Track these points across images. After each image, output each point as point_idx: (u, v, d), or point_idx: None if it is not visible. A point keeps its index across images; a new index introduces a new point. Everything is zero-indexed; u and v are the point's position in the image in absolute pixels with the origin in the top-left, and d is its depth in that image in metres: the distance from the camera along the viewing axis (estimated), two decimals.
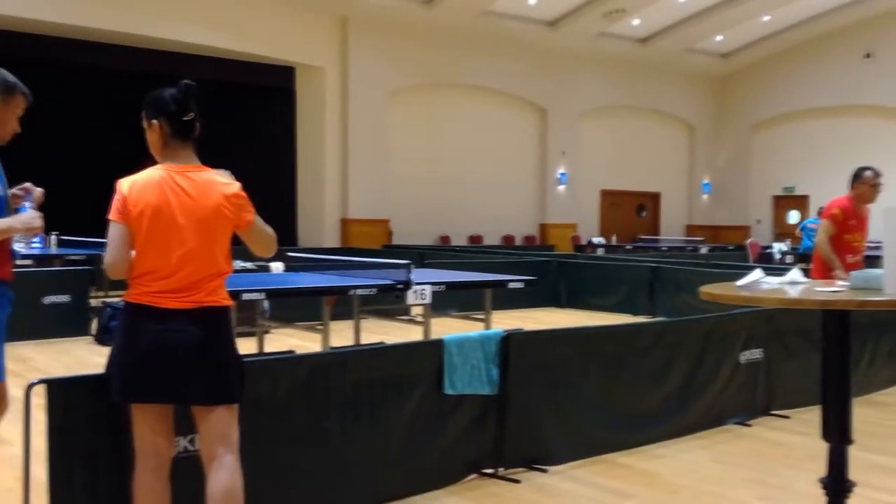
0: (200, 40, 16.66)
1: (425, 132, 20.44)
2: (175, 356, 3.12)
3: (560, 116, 22.65)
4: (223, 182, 3.28)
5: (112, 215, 3.16)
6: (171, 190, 3.16)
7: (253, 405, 3.66)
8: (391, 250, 16.68)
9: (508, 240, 22.06)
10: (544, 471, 4.83)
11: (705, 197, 26.55)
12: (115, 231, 3.16)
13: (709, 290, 2.81)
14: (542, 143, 22.69)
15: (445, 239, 20.98)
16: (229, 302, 3.30)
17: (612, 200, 24.71)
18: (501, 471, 4.73)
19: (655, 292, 12.30)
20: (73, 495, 3.34)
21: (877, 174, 6.89)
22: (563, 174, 22.91)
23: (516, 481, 4.66)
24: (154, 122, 3.23)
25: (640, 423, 5.41)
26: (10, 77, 3.54)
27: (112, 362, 3.20)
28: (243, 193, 3.29)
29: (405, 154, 19.98)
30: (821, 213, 15.99)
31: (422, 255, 14.40)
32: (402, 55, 19.40)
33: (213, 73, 17.87)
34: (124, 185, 3.18)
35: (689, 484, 4.70)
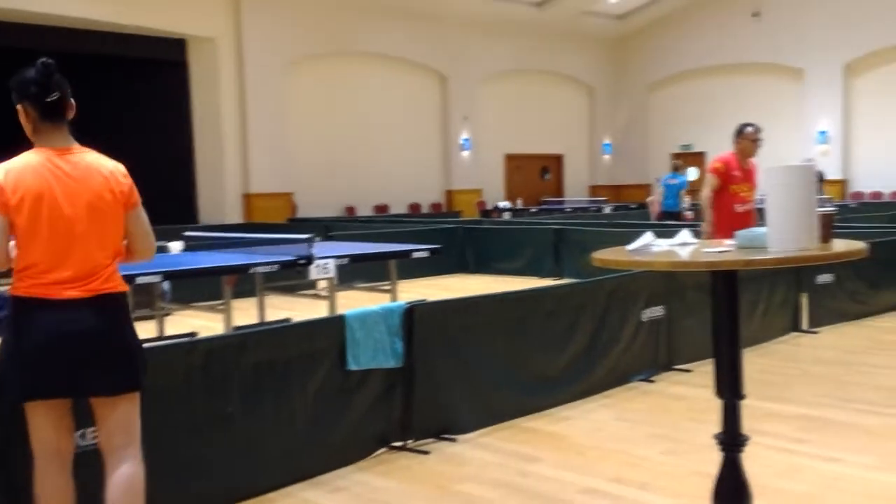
0: (84, 13, 16.01)
1: (327, 102, 20.16)
2: (74, 347, 2.98)
3: (461, 82, 22.63)
4: (107, 160, 3.13)
5: None
6: (52, 174, 2.98)
7: (149, 393, 3.55)
8: (296, 224, 16.48)
9: (414, 208, 22.03)
10: (453, 440, 4.84)
11: (607, 157, 26.96)
12: None
13: (601, 255, 2.83)
14: (444, 109, 22.65)
15: (351, 210, 20.83)
16: (125, 287, 3.17)
17: (516, 164, 24.87)
18: (410, 443, 4.73)
19: (561, 254, 12.45)
20: None
21: (757, 129, 7.25)
22: (466, 140, 22.95)
23: (426, 452, 4.66)
24: (19, 106, 3.05)
25: (547, 386, 5.48)
26: None
27: (5, 360, 3.01)
28: (128, 174, 3.15)
29: (307, 125, 19.69)
30: (675, 168, 16.39)
31: (327, 228, 14.26)
32: (298, 23, 19.03)
33: (99, 48, 17.29)
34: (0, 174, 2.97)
35: (596, 444, 4.78)
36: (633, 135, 26.44)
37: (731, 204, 7.19)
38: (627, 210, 20.09)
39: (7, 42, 15.81)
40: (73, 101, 3.12)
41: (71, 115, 3.11)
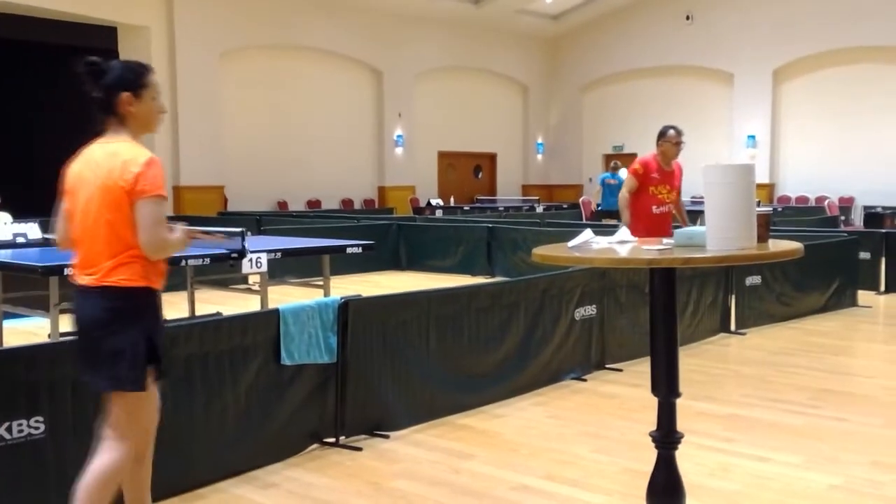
0: None
1: (261, 95, 19.88)
2: (79, 334, 3.10)
3: (396, 78, 22.54)
4: (128, 150, 3.08)
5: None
6: (86, 163, 3.13)
7: (76, 389, 3.46)
8: (227, 217, 16.21)
9: (347, 204, 21.88)
10: (386, 437, 4.81)
11: (540, 157, 27.14)
12: (59, 206, 3.20)
13: (541, 251, 2.82)
14: (378, 105, 22.54)
15: (283, 204, 20.59)
16: (139, 283, 3.05)
17: (449, 162, 24.88)
18: (343, 439, 4.68)
19: (493, 252, 12.49)
20: None
21: (679, 133, 7.34)
22: (400, 136, 22.88)
23: (358, 449, 4.62)
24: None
25: (480, 383, 5.47)
26: None
27: None
28: (148, 165, 3.05)
29: (240, 118, 19.39)
30: (614, 168, 16.66)
31: (259, 222, 14.08)
32: (232, 15, 18.72)
33: (26, 34, 16.75)
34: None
35: (528, 441, 4.79)
36: (566, 135, 26.66)
37: (648, 205, 7.29)
38: (559, 209, 20.26)
39: None
40: (127, 93, 3.14)
41: (121, 110, 3.14)
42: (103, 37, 17.94)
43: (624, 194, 7.45)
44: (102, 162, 3.07)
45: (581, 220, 17.35)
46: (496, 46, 24.75)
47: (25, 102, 19.48)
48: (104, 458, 3.09)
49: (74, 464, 3.35)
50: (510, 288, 5.92)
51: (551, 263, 2.86)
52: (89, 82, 3.15)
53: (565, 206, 21.34)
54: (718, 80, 23.15)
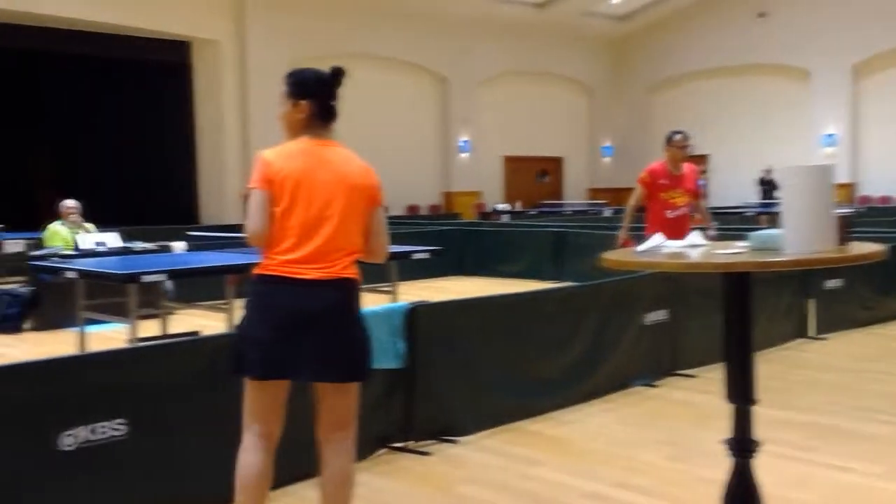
0: (90, 16, 15.94)
1: None
2: (307, 328, 3.05)
3: (461, 84, 22.58)
4: (358, 158, 3.28)
5: (253, 182, 3.12)
6: (314, 160, 3.15)
7: (154, 388, 3.53)
8: None
9: (413, 209, 21.97)
10: (454, 442, 4.80)
11: (607, 160, 26.89)
12: (256, 198, 3.10)
13: (610, 257, 2.79)
14: (443, 111, 22.60)
15: None
16: (360, 278, 3.22)
17: (514, 167, 24.82)
18: (411, 444, 4.69)
19: (561, 257, 12.40)
20: None
21: (685, 137, 7.53)
22: (465, 142, 22.90)
23: (427, 454, 4.62)
24: (302, 102, 3.24)
25: (548, 389, 5.43)
26: None
27: (245, 335, 3.11)
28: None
29: None
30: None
31: None
32: (300, 26, 18.98)
33: (104, 50, 17.22)
34: (267, 153, 3.16)
35: (599, 447, 4.74)
36: (634, 137, 26.35)
37: (662, 211, 7.36)
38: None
39: (13, 44, 15.78)
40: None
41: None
42: (177, 51, 18.38)
43: (630, 204, 7.63)
44: (341, 164, 3.20)
45: None
46: (560, 49, 24.61)
47: (105, 117, 20.02)
48: (352, 462, 3.24)
49: (154, 464, 3.43)
50: (578, 293, 5.87)
51: (622, 268, 2.82)
52: (337, 89, 3.29)
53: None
54: (794, 78, 22.63)
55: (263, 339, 3.05)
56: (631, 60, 26.21)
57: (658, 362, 6.19)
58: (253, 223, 3.10)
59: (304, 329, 3.04)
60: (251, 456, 3.14)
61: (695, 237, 3.08)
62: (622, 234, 7.63)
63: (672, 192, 7.37)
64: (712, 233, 7.40)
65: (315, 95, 3.26)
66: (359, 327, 3.20)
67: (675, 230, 6.76)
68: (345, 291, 3.15)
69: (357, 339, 3.18)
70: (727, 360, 2.91)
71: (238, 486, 3.15)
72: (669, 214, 7.33)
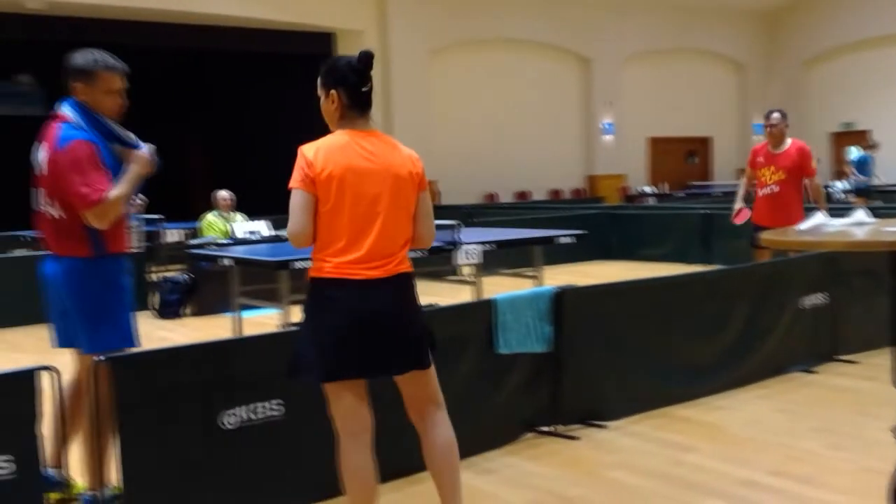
0: (235, 12, 16.55)
1: (469, 89, 20.19)
2: (376, 327, 3.04)
3: (604, 65, 22.22)
4: (402, 145, 3.24)
5: (294, 182, 3.02)
6: (358, 154, 3.06)
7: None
8: (439, 211, 16.57)
9: (556, 194, 21.82)
10: (602, 426, 4.75)
11: (758, 138, 25.90)
12: (298, 199, 3.01)
13: (770, 236, 2.68)
14: (586, 93, 22.30)
15: (492, 196, 20.82)
16: (412, 268, 3.24)
17: (660, 148, 24.25)
18: (559, 428, 4.67)
19: (710, 240, 12.06)
20: (142, 466, 3.37)
21: (769, 116, 7.70)
22: (609, 124, 22.54)
23: (575, 438, 4.59)
24: (332, 91, 3.13)
25: (700, 374, 5.30)
26: (90, 57, 3.66)
27: (309, 342, 3.07)
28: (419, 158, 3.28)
29: (449, 113, 19.78)
30: (871, 146, 16.04)
31: (469, 214, 14.29)
32: (441, 13, 19.13)
33: (251, 45, 17.82)
34: (308, 150, 3.05)
35: (754, 435, 4.59)
36: (788, 114, 25.23)
37: (758, 189, 7.61)
38: None
39: (159, 42, 16.55)
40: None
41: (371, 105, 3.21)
42: (322, 43, 18.83)
43: (741, 181, 8.01)
44: (386, 154, 3.11)
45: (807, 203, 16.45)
46: (708, 25, 23.83)
47: (254, 110, 20.78)
48: (445, 428, 3.27)
49: (310, 443, 3.54)
50: (730, 276, 5.69)
51: (782, 248, 2.71)
52: (368, 75, 3.17)
53: None
54: None
55: (332, 342, 3.01)
56: (785, 33, 25.07)
57: (816, 347, 5.93)
58: (296, 225, 3.00)
59: (370, 329, 3.02)
60: (353, 457, 3.10)
61: (860, 215, 2.92)
62: (735, 206, 7.88)
63: (764, 170, 7.50)
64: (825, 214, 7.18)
65: (345, 84, 3.11)
66: (420, 317, 3.21)
67: (764, 208, 7.48)
68: (404, 287, 3.13)
69: (422, 328, 3.19)
70: (895, 345, 2.76)
71: (348, 489, 3.13)
72: (760, 192, 7.54)
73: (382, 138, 3.17)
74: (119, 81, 3.70)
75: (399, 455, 4.06)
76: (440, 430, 3.24)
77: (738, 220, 7.75)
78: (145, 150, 3.73)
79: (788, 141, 7.54)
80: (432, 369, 3.26)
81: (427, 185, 3.25)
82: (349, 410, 3.10)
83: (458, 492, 3.24)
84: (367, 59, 3.12)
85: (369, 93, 3.16)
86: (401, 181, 3.11)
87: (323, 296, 3.05)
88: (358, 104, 3.13)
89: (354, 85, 3.11)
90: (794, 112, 24.82)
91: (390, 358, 3.10)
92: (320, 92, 3.17)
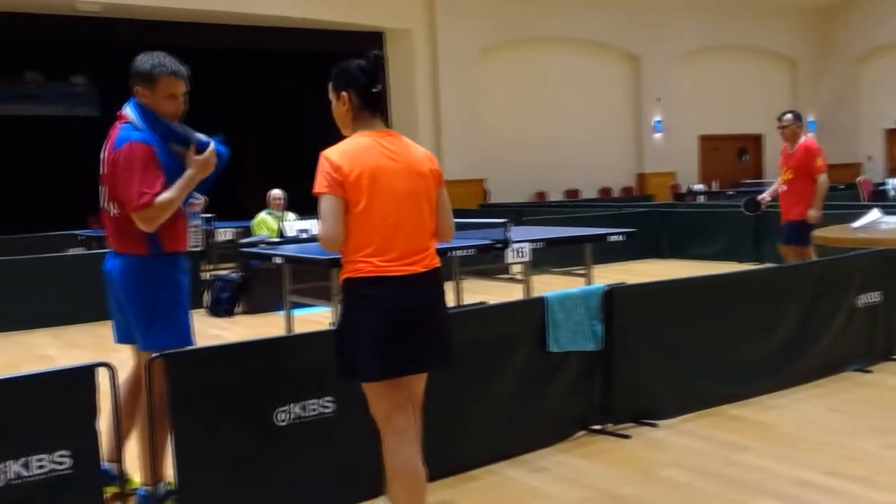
0: (285, 12, 16.72)
1: (517, 88, 20.17)
2: (417, 323, 3.07)
3: (653, 62, 22.04)
4: (419, 145, 3.29)
5: (321, 188, 3.03)
6: (382, 154, 3.10)
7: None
8: (488, 209, 16.62)
9: (606, 192, 21.70)
10: (654, 425, 4.73)
11: (811, 135, 25.46)
12: (329, 204, 3.02)
13: (823, 233, 2.66)
14: (635, 90, 22.14)
15: (542, 195, 20.77)
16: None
17: (711, 145, 23.99)
18: (610, 426, 4.66)
19: (761, 238, 11.92)
20: (197, 462, 3.43)
21: (787, 118, 8.27)
22: (658, 122, 22.35)
23: (626, 437, 4.58)
24: (343, 93, 3.19)
25: (752, 373, 5.26)
26: (153, 61, 3.68)
27: (353, 342, 3.08)
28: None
29: (498, 111, 19.77)
30: None
31: (519, 213, 14.29)
32: (489, 11, 19.12)
33: (302, 45, 17.98)
34: (332, 154, 3.07)
35: (808, 434, 4.54)
36: (841, 111, 24.83)
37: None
38: (834, 191, 18.91)
39: (211, 42, 16.77)
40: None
41: (384, 105, 3.27)
42: (371, 42, 18.94)
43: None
44: (407, 153, 3.16)
45: (859, 201, 16.16)
46: (759, 21, 23.52)
47: (304, 109, 20.97)
48: (419, 422, 3.29)
49: (361, 441, 3.58)
50: (783, 274, 5.63)
51: (836, 245, 2.69)
52: (377, 75, 3.22)
53: (841, 186, 19.90)
54: None
55: (378, 340, 3.01)
56: (837, 29, 24.65)
57: (871, 346, 5.85)
58: (329, 230, 3.01)
59: (416, 325, 3.06)
60: (400, 454, 3.10)
61: (875, 214, 2.88)
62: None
63: (782, 169, 8.13)
64: (813, 213, 7.78)
65: (356, 85, 3.17)
66: (448, 314, 3.27)
67: (781, 205, 8.22)
68: (438, 281, 3.19)
69: (450, 325, 3.25)
70: None
71: (396, 486, 3.12)
72: (780, 189, 8.20)
73: (399, 138, 3.22)
74: (180, 86, 3.73)
75: (451, 452, 4.10)
76: (414, 448, 3.22)
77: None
78: (210, 148, 3.74)
79: (802, 140, 8.03)
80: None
81: (444, 183, 3.30)
82: (395, 408, 3.12)
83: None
84: (375, 59, 3.20)
85: (380, 93, 3.22)
86: (423, 178, 3.17)
87: (363, 295, 3.05)
88: (369, 105, 3.19)
89: (365, 86, 3.18)
90: (847, 109, 24.56)
91: (431, 353, 3.14)
92: (332, 95, 3.23)
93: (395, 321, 3.03)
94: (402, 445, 3.12)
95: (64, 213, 15.68)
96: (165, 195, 3.58)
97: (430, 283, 3.14)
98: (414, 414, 3.23)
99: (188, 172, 3.69)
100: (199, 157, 3.71)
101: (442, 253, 6.60)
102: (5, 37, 16.08)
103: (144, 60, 3.70)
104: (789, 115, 8.16)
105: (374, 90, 3.18)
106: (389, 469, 3.15)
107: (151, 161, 3.59)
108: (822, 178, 7.90)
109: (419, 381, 3.27)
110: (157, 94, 3.68)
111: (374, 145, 3.11)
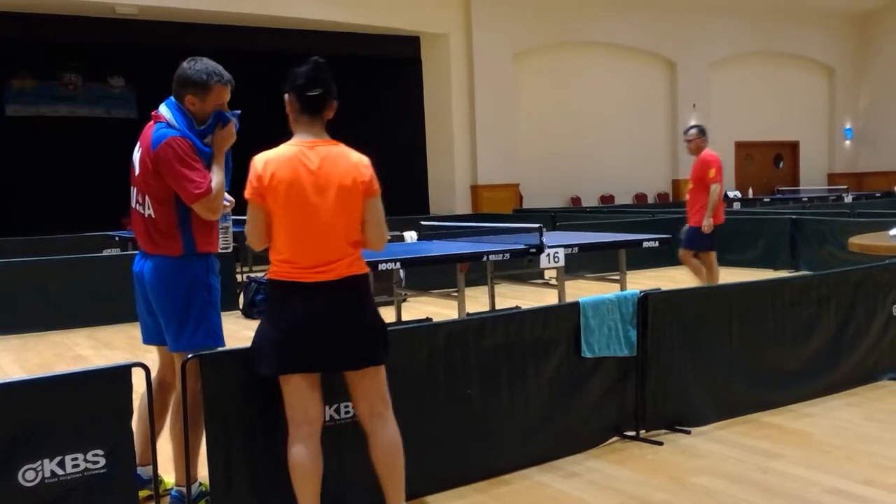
0: (322, 16, 16.84)
1: (552, 93, 20.16)
2: (321, 327, 3.24)
3: (689, 68, 21.94)
4: (352, 152, 3.34)
5: (246, 194, 3.26)
6: (302, 165, 3.23)
7: (393, 373, 3.71)
8: (522, 214, 16.63)
9: (640, 198, 21.62)
10: (687, 432, 4.74)
11: (848, 143, 25.25)
12: (249, 210, 3.27)
13: (859, 241, 2.67)
14: (671, 96, 22.05)
15: (576, 200, 20.75)
16: (366, 269, 3.39)
17: (747, 152, 23.83)
18: (643, 433, 4.67)
19: (797, 245, 11.84)
20: (230, 463, 3.48)
21: (686, 132, 8.88)
22: None
23: (659, 443, 4.59)
24: (286, 95, 3.34)
25: (787, 381, 5.24)
26: (205, 68, 3.68)
27: (263, 337, 3.32)
28: (371, 167, 3.37)
29: (532, 116, 19.78)
30: None
31: (553, 218, 14.29)
32: (525, 16, 19.14)
33: (338, 48, 18.10)
34: (258, 162, 3.26)
35: (843, 443, 4.52)
36: (879, 118, 24.56)
37: None
38: (871, 199, 18.74)
39: (247, 45, 16.95)
40: (335, 102, 3.36)
41: (329, 115, 3.36)
42: (407, 46, 19.06)
43: None
44: (329, 165, 3.24)
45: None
46: (797, 28, 23.34)
47: (340, 112, 21.08)
48: (394, 427, 3.40)
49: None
50: (819, 282, 5.60)
51: (872, 253, 2.70)
52: (328, 85, 3.31)
53: (878, 194, 19.71)
54: None
55: (281, 338, 3.25)
56: (877, 36, 24.39)
57: None
58: (250, 234, 3.30)
59: (313, 328, 3.23)
60: (293, 447, 3.30)
61: None
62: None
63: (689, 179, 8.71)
64: (704, 221, 8.36)
65: (294, 87, 3.29)
66: (367, 316, 3.34)
67: (687, 211, 8.70)
68: (349, 289, 3.29)
69: (366, 327, 3.32)
70: None
71: (291, 477, 3.31)
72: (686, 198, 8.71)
73: (329, 148, 3.29)
74: (228, 93, 3.76)
75: (484, 456, 4.14)
76: (387, 429, 3.38)
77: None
78: (232, 122, 3.76)
79: (703, 153, 8.56)
80: (379, 370, 3.38)
81: (378, 192, 3.35)
82: (292, 401, 3.31)
83: (401, 490, 3.42)
84: (313, 65, 3.29)
85: (318, 98, 3.28)
86: (344, 191, 3.25)
87: (274, 296, 3.32)
88: (307, 109, 3.29)
89: (301, 88, 3.27)
90: (885, 117, 24.24)
91: (335, 355, 3.28)
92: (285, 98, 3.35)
93: (297, 323, 3.24)
94: (295, 438, 3.30)
95: (101, 214, 15.89)
96: (215, 178, 3.64)
97: (340, 290, 3.26)
98: (380, 406, 3.39)
99: (215, 152, 3.71)
100: (221, 132, 3.72)
101: (477, 256, 6.70)
102: (45, 39, 16.38)
103: (197, 70, 3.65)
104: (693, 130, 8.70)
105: (309, 94, 3.26)
106: (288, 463, 3.32)
107: (194, 153, 3.61)
108: (714, 188, 8.40)
109: (370, 381, 3.36)
110: (208, 102, 3.67)
111: (296, 157, 3.24)
